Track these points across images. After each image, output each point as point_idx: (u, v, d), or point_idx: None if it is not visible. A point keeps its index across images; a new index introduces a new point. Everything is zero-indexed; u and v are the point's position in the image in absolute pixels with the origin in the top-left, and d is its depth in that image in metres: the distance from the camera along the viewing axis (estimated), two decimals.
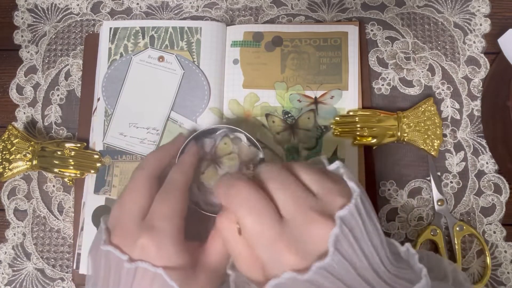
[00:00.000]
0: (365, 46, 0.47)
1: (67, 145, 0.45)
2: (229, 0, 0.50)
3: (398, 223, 0.44)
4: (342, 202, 0.27)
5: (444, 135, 0.45)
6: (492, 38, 0.47)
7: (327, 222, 0.26)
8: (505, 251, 0.43)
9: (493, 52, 0.46)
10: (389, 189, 0.45)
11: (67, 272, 0.46)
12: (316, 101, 0.45)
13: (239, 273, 0.31)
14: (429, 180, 0.45)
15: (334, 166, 0.31)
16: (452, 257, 0.43)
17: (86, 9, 0.50)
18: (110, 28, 0.48)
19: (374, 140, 0.43)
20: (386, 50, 0.47)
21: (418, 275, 0.27)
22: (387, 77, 0.47)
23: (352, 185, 0.28)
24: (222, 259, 0.33)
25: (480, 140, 0.45)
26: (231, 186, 0.29)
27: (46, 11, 0.51)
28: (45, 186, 0.47)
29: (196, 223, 0.36)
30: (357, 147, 0.44)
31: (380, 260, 0.27)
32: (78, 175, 0.45)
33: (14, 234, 0.47)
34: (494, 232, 0.44)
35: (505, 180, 0.44)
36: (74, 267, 0.44)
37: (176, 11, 0.50)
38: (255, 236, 0.27)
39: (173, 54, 0.46)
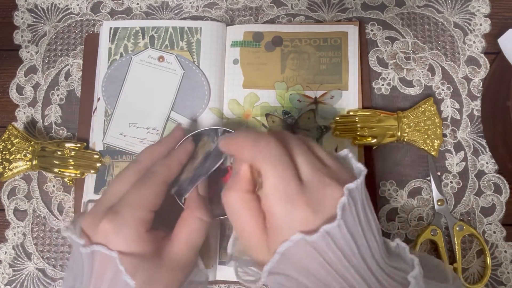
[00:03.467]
0: (365, 46, 0.47)
1: (67, 145, 0.45)
2: (229, 0, 0.50)
3: (398, 223, 0.44)
4: (350, 178, 0.28)
5: (444, 135, 0.45)
6: (492, 38, 0.47)
7: (339, 187, 0.27)
8: (505, 251, 0.43)
9: (493, 52, 0.46)
10: (389, 189, 0.45)
11: None
12: (316, 101, 0.45)
13: (241, 261, 0.31)
14: (429, 180, 0.45)
15: (343, 153, 0.33)
16: (452, 257, 0.43)
17: (86, 9, 0.50)
18: (110, 28, 0.48)
19: (374, 140, 0.43)
20: (386, 50, 0.47)
21: (410, 266, 0.28)
22: (387, 77, 0.47)
23: (359, 166, 0.30)
24: (186, 250, 0.34)
25: (480, 140, 0.45)
26: (261, 138, 0.29)
27: (46, 11, 0.51)
28: (45, 186, 0.47)
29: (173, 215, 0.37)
30: (357, 147, 0.44)
31: (377, 246, 0.28)
32: (78, 175, 0.45)
33: (14, 234, 0.47)
34: (494, 232, 0.44)
35: (505, 180, 0.44)
36: None
37: (176, 11, 0.50)
38: (277, 189, 0.27)
39: (173, 54, 0.46)
